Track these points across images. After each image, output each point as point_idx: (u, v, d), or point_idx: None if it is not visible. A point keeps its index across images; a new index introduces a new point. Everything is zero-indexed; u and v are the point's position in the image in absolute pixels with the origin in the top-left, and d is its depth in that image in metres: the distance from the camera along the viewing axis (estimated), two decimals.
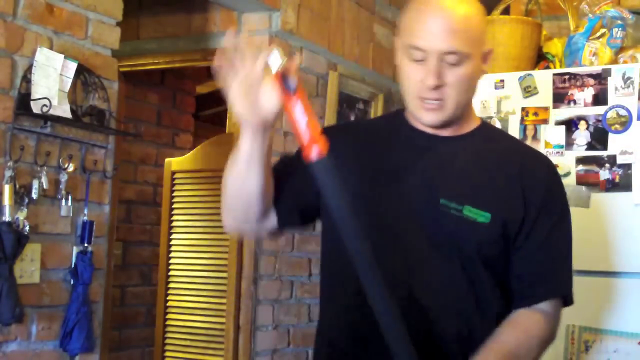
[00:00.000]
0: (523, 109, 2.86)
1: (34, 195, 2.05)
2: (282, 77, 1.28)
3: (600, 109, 2.72)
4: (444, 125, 1.53)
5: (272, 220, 1.55)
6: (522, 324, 1.52)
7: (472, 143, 1.56)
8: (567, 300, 1.59)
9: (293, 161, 1.59)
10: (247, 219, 1.52)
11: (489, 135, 1.62)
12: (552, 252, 1.55)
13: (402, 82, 1.53)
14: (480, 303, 1.50)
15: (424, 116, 1.50)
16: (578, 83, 2.77)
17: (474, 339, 1.48)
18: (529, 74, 2.88)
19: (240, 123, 1.37)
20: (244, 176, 1.43)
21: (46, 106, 2.03)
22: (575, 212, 2.69)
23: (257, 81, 1.32)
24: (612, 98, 2.71)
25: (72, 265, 2.17)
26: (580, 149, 2.74)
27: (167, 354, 3.30)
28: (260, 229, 1.57)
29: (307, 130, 1.26)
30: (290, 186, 1.55)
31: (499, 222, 1.48)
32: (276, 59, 1.27)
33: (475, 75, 1.51)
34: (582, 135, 2.75)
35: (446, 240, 1.48)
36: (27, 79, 2.03)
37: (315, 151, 1.26)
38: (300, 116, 1.27)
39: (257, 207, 1.49)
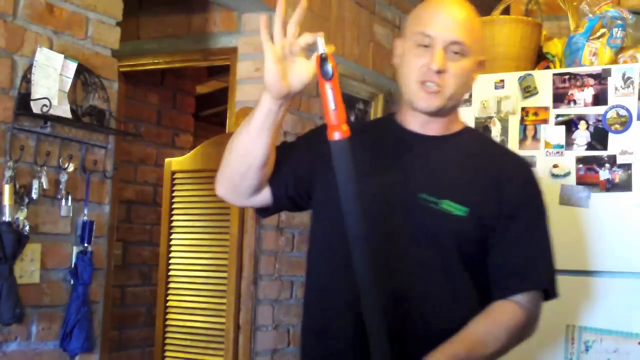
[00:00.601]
0: (523, 109, 2.86)
1: (34, 195, 2.05)
2: (322, 62, 1.41)
3: (600, 109, 2.72)
4: (436, 114, 1.63)
5: (264, 195, 1.66)
6: (493, 314, 1.60)
7: (455, 143, 1.68)
8: (549, 294, 1.68)
9: (293, 147, 1.74)
10: (242, 187, 1.62)
11: (472, 138, 1.74)
12: (529, 248, 1.64)
13: (403, 72, 1.64)
14: (455, 292, 1.59)
15: (422, 101, 1.61)
16: (578, 83, 2.77)
17: (448, 326, 1.56)
18: (529, 74, 2.88)
19: (266, 88, 1.47)
20: (253, 142, 1.53)
21: (46, 106, 2.03)
22: (575, 212, 2.71)
23: (295, 52, 1.44)
24: (612, 98, 2.71)
25: (72, 265, 2.17)
26: (580, 149, 2.74)
27: (167, 354, 3.30)
28: (251, 202, 1.67)
29: (334, 113, 1.39)
30: (288, 168, 1.66)
31: (475, 217, 1.58)
32: (321, 44, 1.41)
33: (471, 73, 1.64)
34: (582, 135, 2.75)
35: (425, 231, 1.58)
36: (27, 79, 2.03)
37: (337, 133, 1.39)
38: (331, 100, 1.40)
39: (255, 176, 1.59)
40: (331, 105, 1.39)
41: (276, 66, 1.44)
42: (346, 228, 1.41)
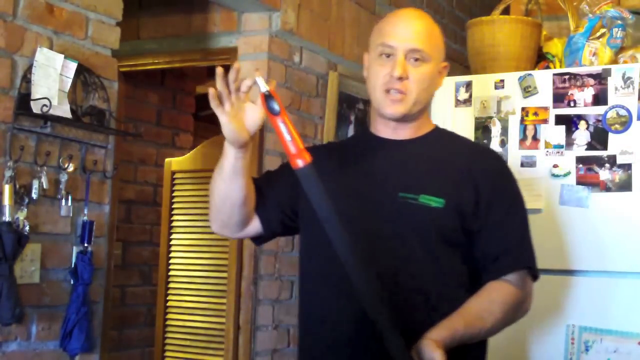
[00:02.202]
0: (523, 109, 2.86)
1: (34, 195, 2.05)
2: (267, 99, 1.52)
3: (600, 109, 2.72)
4: (404, 119, 1.76)
5: (254, 225, 1.81)
6: (487, 292, 1.70)
7: (427, 144, 1.80)
8: (534, 275, 1.77)
9: (275, 174, 1.90)
10: (231, 223, 1.78)
11: (442, 136, 1.85)
12: (512, 229, 1.74)
13: (370, 82, 1.77)
14: (443, 278, 1.69)
15: (388, 108, 1.73)
16: (578, 83, 2.77)
17: (440, 310, 1.66)
18: (529, 74, 2.88)
19: (228, 140, 1.61)
20: (230, 186, 1.68)
21: (46, 106, 2.03)
22: (575, 212, 2.71)
23: (242, 100, 1.59)
24: (612, 98, 2.71)
25: (72, 265, 2.17)
26: (580, 149, 2.74)
27: (167, 354, 3.30)
28: (244, 233, 1.83)
29: (291, 144, 1.50)
30: (272, 195, 1.81)
31: (452, 206, 1.69)
32: (261, 83, 1.52)
33: (433, 78, 1.76)
34: (582, 135, 2.75)
35: (407, 225, 1.69)
36: (27, 79, 2.03)
37: (299, 161, 1.50)
38: (285, 133, 1.50)
39: (240, 213, 1.74)
40: (287, 137, 1.50)
41: (232, 123, 1.58)
42: (334, 246, 1.52)
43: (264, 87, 1.52)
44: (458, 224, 1.69)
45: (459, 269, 1.72)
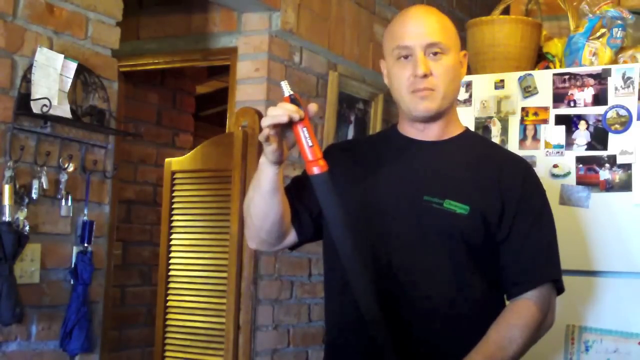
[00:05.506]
0: (523, 109, 2.86)
1: (34, 195, 2.05)
2: (292, 103, 1.50)
3: (600, 109, 2.72)
4: (435, 117, 1.71)
5: (291, 236, 1.77)
6: (506, 316, 1.67)
7: (455, 147, 1.75)
8: (559, 288, 1.74)
9: (303, 181, 1.79)
10: (271, 239, 1.74)
11: (471, 140, 1.81)
12: (536, 243, 1.70)
13: (393, 86, 1.73)
14: (463, 286, 1.65)
15: (419, 106, 1.69)
16: (578, 83, 2.77)
17: (458, 321, 1.64)
18: (529, 74, 2.88)
19: (270, 161, 1.56)
20: (270, 202, 1.64)
21: (46, 106, 2.03)
22: (575, 212, 2.71)
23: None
24: (612, 98, 2.71)
25: (72, 265, 2.17)
26: (580, 149, 2.74)
27: (167, 354, 3.29)
28: (281, 246, 1.79)
29: (310, 150, 1.48)
30: (303, 203, 1.75)
31: (477, 213, 1.65)
32: (285, 88, 1.51)
33: (456, 69, 1.72)
34: (582, 135, 2.75)
35: (430, 230, 1.65)
36: (27, 79, 2.03)
37: (315, 168, 1.48)
38: (308, 138, 1.49)
39: (279, 228, 1.71)
40: (309, 142, 1.48)
41: (273, 146, 1.52)
42: (339, 253, 1.52)
43: (287, 92, 1.51)
44: (481, 232, 1.66)
45: (481, 277, 1.68)
